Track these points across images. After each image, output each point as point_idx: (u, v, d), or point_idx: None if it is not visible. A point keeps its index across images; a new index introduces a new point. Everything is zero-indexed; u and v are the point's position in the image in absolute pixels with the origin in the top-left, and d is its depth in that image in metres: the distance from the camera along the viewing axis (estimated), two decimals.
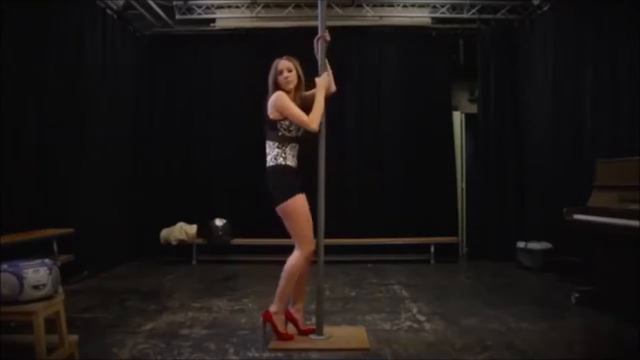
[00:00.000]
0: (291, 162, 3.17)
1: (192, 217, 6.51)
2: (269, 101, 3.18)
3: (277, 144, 3.16)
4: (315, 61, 3.32)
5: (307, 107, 3.18)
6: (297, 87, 3.25)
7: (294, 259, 3.18)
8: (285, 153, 3.15)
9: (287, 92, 3.18)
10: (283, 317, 3.25)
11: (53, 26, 5.08)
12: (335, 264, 5.75)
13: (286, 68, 3.19)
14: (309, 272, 3.32)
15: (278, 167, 3.14)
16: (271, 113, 3.16)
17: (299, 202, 3.13)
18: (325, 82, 3.23)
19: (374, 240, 6.48)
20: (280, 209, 3.14)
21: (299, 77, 3.24)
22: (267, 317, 3.20)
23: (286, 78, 3.18)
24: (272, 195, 3.15)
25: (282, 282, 3.20)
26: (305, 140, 3.26)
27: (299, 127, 3.17)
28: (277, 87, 3.19)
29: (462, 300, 4.43)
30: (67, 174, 5.18)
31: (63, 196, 5.10)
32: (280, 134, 3.15)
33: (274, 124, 3.15)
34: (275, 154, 3.16)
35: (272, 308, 3.21)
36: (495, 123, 6.70)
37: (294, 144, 3.19)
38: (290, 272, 3.17)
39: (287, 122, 3.14)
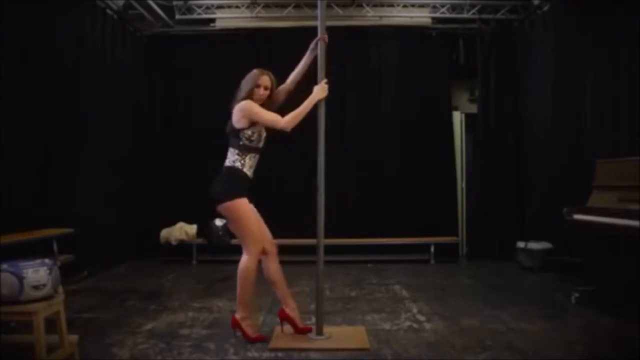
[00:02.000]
0: (247, 170, 3.20)
1: (192, 217, 6.50)
2: (235, 109, 3.20)
3: (237, 151, 3.19)
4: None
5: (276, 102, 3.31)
6: (268, 101, 3.29)
7: (244, 262, 3.22)
8: (244, 161, 3.19)
9: (260, 104, 3.22)
10: (250, 322, 3.26)
11: (53, 26, 5.08)
12: (335, 264, 5.75)
13: (264, 86, 3.25)
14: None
15: (233, 169, 3.18)
16: (237, 122, 3.17)
17: (244, 203, 3.16)
18: (322, 91, 3.24)
19: (374, 240, 6.48)
20: (224, 207, 3.16)
21: (270, 94, 3.29)
22: (235, 323, 3.23)
23: (261, 95, 3.24)
24: (218, 193, 3.18)
25: (238, 287, 3.22)
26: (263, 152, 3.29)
27: (260, 139, 3.22)
28: (250, 97, 3.21)
29: (462, 300, 4.43)
30: (67, 174, 5.18)
31: (63, 196, 5.10)
32: (241, 143, 3.18)
33: (237, 133, 3.18)
34: (233, 159, 3.19)
35: (238, 314, 3.23)
36: (495, 123, 6.70)
37: (253, 154, 3.22)
38: (243, 276, 3.20)
39: (249, 132, 3.16)
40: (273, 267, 3.29)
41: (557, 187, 5.54)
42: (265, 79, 3.25)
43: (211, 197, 3.23)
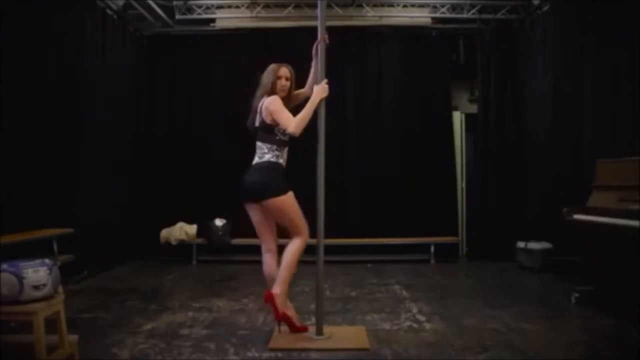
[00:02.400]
0: (284, 164, 3.28)
1: (192, 217, 6.51)
2: (263, 104, 3.24)
3: (274, 146, 3.24)
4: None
5: (295, 106, 3.34)
6: (288, 95, 3.35)
7: (297, 242, 3.23)
8: (282, 155, 3.26)
9: (281, 98, 3.26)
10: (283, 300, 3.21)
11: (53, 26, 5.08)
12: (335, 264, 5.75)
13: (285, 76, 3.30)
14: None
15: (275, 165, 3.23)
16: (267, 116, 3.22)
17: (291, 196, 3.23)
18: (322, 91, 3.27)
19: (374, 240, 6.48)
20: (272, 202, 3.18)
21: (291, 85, 3.36)
22: (269, 298, 3.16)
23: (284, 86, 3.29)
24: (262, 189, 3.18)
25: (286, 265, 3.20)
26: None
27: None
28: (273, 91, 3.26)
29: (462, 300, 4.43)
30: (67, 174, 5.18)
31: (63, 196, 5.10)
32: (277, 138, 3.24)
33: (271, 128, 3.23)
34: (271, 155, 3.24)
35: (276, 289, 3.17)
36: (495, 123, 6.70)
37: (287, 149, 3.30)
38: (297, 254, 3.22)
39: (282, 127, 3.21)
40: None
41: (557, 187, 5.53)
42: (285, 70, 3.31)
43: (253, 194, 3.24)
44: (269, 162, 3.23)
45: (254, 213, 3.32)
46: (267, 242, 3.36)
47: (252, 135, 3.30)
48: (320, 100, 3.26)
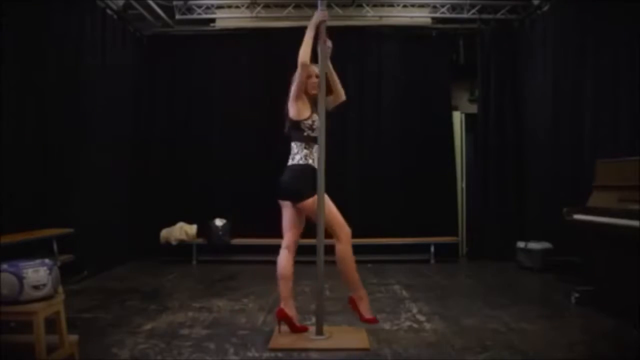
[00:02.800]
0: (315, 164, 3.26)
1: (192, 217, 6.51)
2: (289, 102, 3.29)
3: (303, 144, 3.28)
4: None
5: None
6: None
7: (341, 250, 3.24)
8: (312, 154, 3.27)
9: (311, 95, 3.31)
10: (366, 301, 3.31)
11: (53, 26, 5.08)
12: (335, 264, 5.73)
13: (315, 74, 3.31)
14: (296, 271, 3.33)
15: (308, 167, 3.26)
16: (291, 109, 3.27)
17: (326, 197, 3.23)
18: (321, 15, 3.21)
19: (374, 240, 6.48)
20: (307, 204, 3.21)
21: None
22: (352, 303, 3.31)
23: (314, 83, 3.30)
24: (298, 190, 3.22)
25: (346, 272, 3.26)
26: None
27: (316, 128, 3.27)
28: (305, 89, 3.29)
29: (462, 300, 4.43)
30: (67, 174, 5.18)
31: (63, 196, 5.10)
32: (305, 134, 3.27)
33: (297, 124, 3.27)
34: (304, 154, 3.27)
35: (355, 294, 3.29)
36: (495, 123, 6.71)
37: (316, 145, 3.27)
38: (347, 261, 3.25)
39: (309, 122, 3.25)
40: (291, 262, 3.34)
41: (557, 187, 5.53)
42: (314, 68, 3.30)
43: (286, 194, 3.28)
44: (302, 165, 3.25)
45: (286, 210, 3.35)
46: (288, 239, 3.35)
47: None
48: (321, 22, 3.20)
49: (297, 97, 3.27)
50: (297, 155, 3.28)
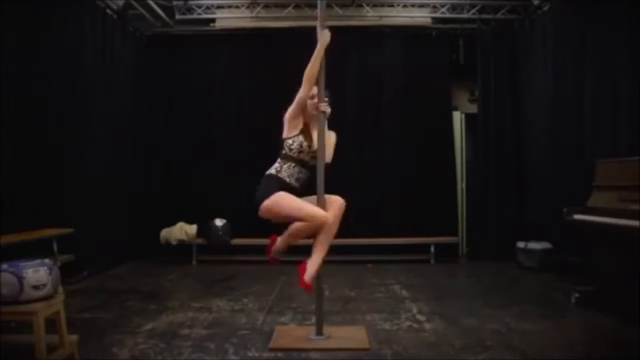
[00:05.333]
0: (285, 177, 3.19)
1: (192, 217, 6.51)
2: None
3: (279, 159, 3.28)
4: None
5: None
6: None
7: (328, 224, 3.14)
8: (281, 168, 3.22)
9: (310, 115, 3.30)
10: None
11: (53, 26, 5.08)
12: (335, 264, 5.74)
13: (316, 95, 3.30)
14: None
15: (268, 175, 3.22)
16: (285, 128, 3.28)
17: (276, 195, 3.10)
18: (326, 37, 3.23)
19: (374, 240, 6.48)
20: (263, 210, 3.13)
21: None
22: (302, 266, 3.14)
23: (314, 104, 3.27)
24: (257, 198, 3.16)
25: (322, 237, 3.17)
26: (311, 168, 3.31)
27: (300, 149, 3.22)
28: (303, 109, 3.26)
29: (462, 300, 4.43)
30: (67, 175, 5.18)
31: (63, 196, 5.09)
32: (283, 152, 3.27)
33: (281, 142, 3.29)
34: (274, 166, 3.26)
35: (311, 260, 3.16)
36: (495, 123, 6.71)
37: (292, 164, 3.22)
38: (330, 227, 3.16)
39: (289, 142, 3.24)
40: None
41: (557, 187, 5.53)
42: (316, 88, 3.29)
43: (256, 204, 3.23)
44: (265, 176, 3.23)
45: (292, 200, 3.17)
46: (317, 211, 3.17)
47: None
48: (326, 44, 3.21)
49: (295, 116, 3.25)
50: (271, 169, 3.25)
